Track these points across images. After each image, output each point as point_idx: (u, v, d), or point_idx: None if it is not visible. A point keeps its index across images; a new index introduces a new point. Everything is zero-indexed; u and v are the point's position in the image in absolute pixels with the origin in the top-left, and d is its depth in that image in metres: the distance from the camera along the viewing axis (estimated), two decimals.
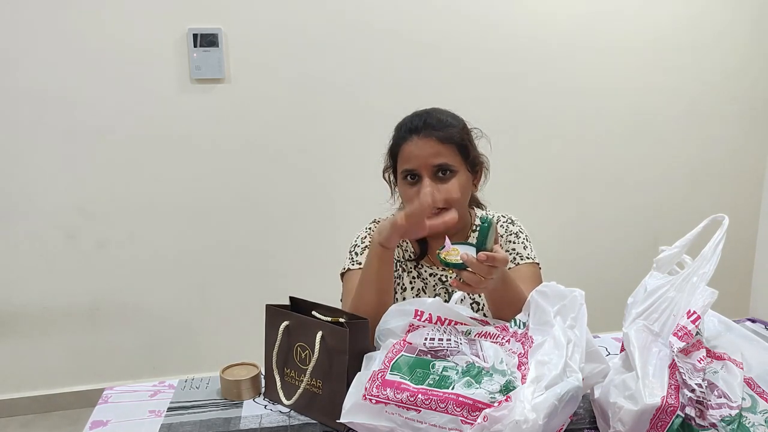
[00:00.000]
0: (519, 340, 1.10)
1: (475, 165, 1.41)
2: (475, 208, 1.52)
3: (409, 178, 1.36)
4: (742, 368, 1.04)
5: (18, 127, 2.33)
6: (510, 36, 2.56)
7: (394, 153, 1.40)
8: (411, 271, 1.45)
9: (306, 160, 2.53)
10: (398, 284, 1.45)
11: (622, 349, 1.10)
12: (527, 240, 1.46)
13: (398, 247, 1.46)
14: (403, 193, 1.39)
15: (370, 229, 1.47)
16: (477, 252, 1.09)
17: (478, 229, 1.47)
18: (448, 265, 1.11)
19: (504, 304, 1.22)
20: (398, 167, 1.39)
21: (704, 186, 2.88)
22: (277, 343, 1.16)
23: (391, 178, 1.46)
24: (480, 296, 1.41)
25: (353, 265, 1.41)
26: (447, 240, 1.12)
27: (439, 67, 2.53)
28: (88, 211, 2.44)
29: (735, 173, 2.90)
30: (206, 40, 2.35)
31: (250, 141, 2.48)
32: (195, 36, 2.34)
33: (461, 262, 1.08)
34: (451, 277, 1.43)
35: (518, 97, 2.63)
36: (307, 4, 2.40)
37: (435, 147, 1.33)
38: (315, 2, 2.41)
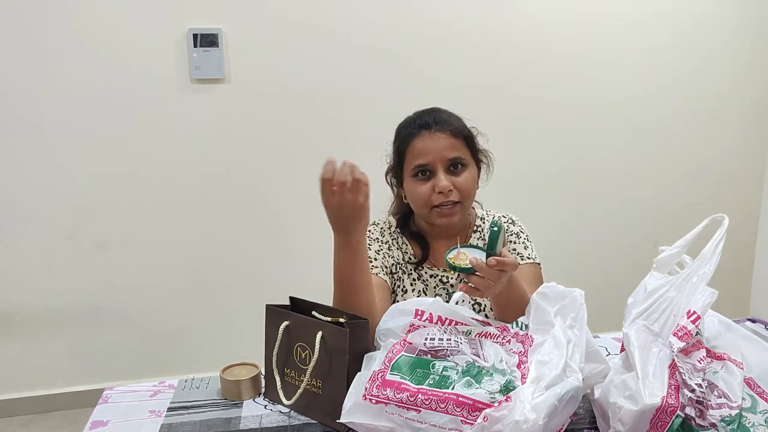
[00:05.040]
0: (519, 341, 1.10)
1: (480, 161, 1.41)
2: (475, 207, 1.52)
3: (420, 174, 1.34)
4: (742, 368, 1.04)
5: (18, 127, 2.33)
6: (511, 37, 2.56)
7: (401, 151, 1.38)
8: (411, 273, 1.44)
9: (306, 159, 2.53)
10: (399, 286, 1.44)
11: (622, 349, 1.10)
12: (528, 240, 1.46)
13: (398, 249, 1.45)
14: (414, 192, 1.36)
15: (369, 231, 1.47)
16: (487, 256, 1.08)
17: (480, 228, 1.47)
18: (457, 269, 1.10)
19: (509, 306, 1.22)
20: (407, 165, 1.37)
21: (704, 186, 2.88)
22: (277, 343, 1.16)
23: (393, 180, 1.45)
24: (483, 298, 1.41)
25: None
26: (458, 244, 1.12)
27: (440, 66, 2.53)
28: (88, 212, 2.44)
29: (735, 173, 2.90)
30: (206, 40, 2.35)
31: (249, 141, 2.48)
32: (195, 36, 2.34)
33: (470, 266, 1.08)
34: (452, 278, 1.43)
35: (520, 97, 2.63)
36: (306, 4, 2.40)
37: (449, 140, 1.33)
38: (315, 3, 2.41)
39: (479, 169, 1.42)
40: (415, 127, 1.36)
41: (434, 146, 1.33)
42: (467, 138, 1.36)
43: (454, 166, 1.34)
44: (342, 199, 1.11)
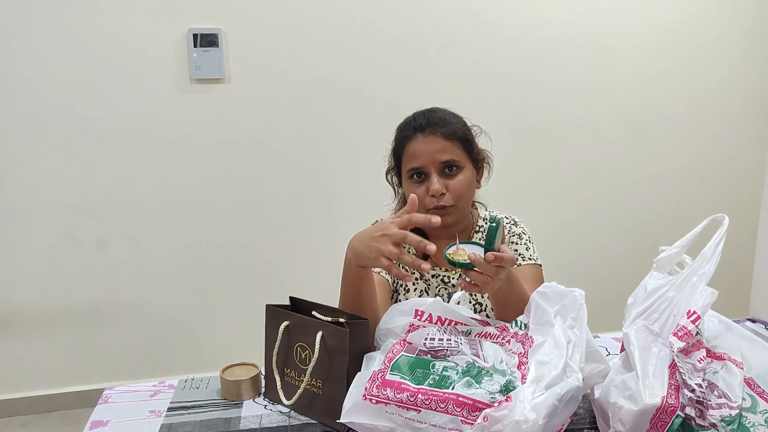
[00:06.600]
0: (519, 341, 1.10)
1: (478, 161, 1.41)
2: (478, 208, 1.52)
3: (415, 176, 1.36)
4: (742, 368, 1.04)
5: (18, 127, 2.33)
6: (510, 36, 2.56)
7: (398, 153, 1.40)
8: (413, 272, 1.44)
9: (306, 159, 2.53)
10: (401, 285, 1.45)
11: (622, 349, 1.10)
12: (530, 241, 1.46)
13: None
14: (409, 193, 1.37)
15: None
16: (485, 252, 1.08)
17: (483, 228, 1.47)
18: (455, 265, 1.10)
19: (508, 304, 1.21)
20: (403, 167, 1.39)
21: (704, 186, 2.88)
22: (277, 343, 1.16)
23: (394, 179, 1.46)
24: (483, 297, 1.41)
25: None
26: (457, 240, 1.12)
27: (440, 66, 2.53)
28: (88, 211, 2.44)
29: (735, 173, 2.90)
30: (206, 40, 2.35)
31: (250, 141, 2.48)
32: (195, 36, 2.34)
33: (468, 261, 1.08)
34: (454, 278, 1.43)
35: (518, 97, 2.63)
36: (307, 3, 2.40)
37: (441, 143, 1.33)
38: (315, 2, 2.41)
39: (478, 170, 1.42)
40: (410, 129, 1.37)
41: (427, 149, 1.33)
42: (462, 140, 1.36)
43: (448, 169, 1.34)
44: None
